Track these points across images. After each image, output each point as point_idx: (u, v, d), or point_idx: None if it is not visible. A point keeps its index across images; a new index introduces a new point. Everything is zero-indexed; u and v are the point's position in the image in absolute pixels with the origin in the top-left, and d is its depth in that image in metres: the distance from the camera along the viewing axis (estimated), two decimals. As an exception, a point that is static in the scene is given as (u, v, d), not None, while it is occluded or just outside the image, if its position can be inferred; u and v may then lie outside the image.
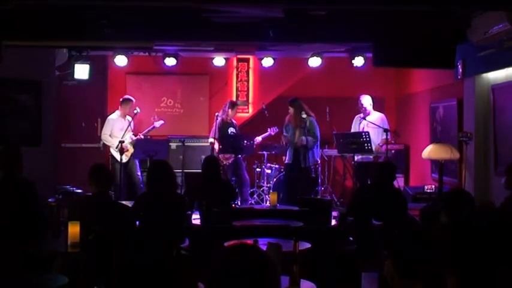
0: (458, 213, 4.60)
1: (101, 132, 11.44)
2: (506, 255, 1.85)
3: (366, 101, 10.80)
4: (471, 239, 1.89)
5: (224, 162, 11.05)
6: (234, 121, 11.53)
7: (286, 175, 10.91)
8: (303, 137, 10.43)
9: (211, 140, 11.21)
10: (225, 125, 11.31)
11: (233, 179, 10.88)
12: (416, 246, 2.44)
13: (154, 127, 11.42)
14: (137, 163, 11.20)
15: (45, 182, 8.53)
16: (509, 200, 6.17)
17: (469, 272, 1.86)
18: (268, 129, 11.45)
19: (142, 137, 11.19)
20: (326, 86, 12.63)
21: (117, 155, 10.83)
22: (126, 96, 11.48)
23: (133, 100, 11.35)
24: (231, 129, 11.32)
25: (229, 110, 11.40)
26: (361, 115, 10.85)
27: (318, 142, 10.81)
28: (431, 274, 2.31)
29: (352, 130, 10.88)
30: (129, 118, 11.23)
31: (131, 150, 10.96)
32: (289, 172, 10.76)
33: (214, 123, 11.37)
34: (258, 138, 11.44)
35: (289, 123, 10.76)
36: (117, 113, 11.27)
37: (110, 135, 11.09)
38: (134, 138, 11.13)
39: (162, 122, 11.56)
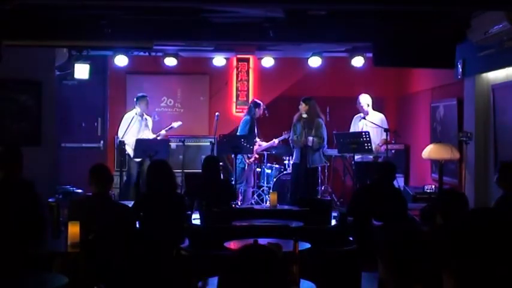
0: (453, 214, 4.62)
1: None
2: (505, 255, 1.85)
3: (364, 99, 10.79)
4: (470, 239, 1.89)
5: (247, 161, 11.17)
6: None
7: (293, 175, 10.89)
8: (310, 138, 10.40)
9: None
10: (253, 124, 11.38)
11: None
12: (415, 246, 2.44)
13: (172, 127, 11.35)
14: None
15: (45, 181, 8.52)
16: (502, 200, 6.16)
17: (468, 272, 1.85)
18: (284, 133, 11.47)
19: (161, 136, 11.16)
20: (326, 86, 12.63)
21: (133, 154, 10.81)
22: (140, 94, 11.35)
23: (147, 97, 11.30)
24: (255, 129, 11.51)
25: (256, 110, 11.48)
26: (361, 115, 10.85)
27: (325, 144, 10.75)
28: (430, 275, 2.31)
29: (351, 130, 10.88)
30: (147, 117, 11.22)
31: None
32: (296, 172, 10.74)
33: (246, 122, 11.45)
34: (275, 141, 11.53)
35: (298, 122, 10.71)
36: (134, 111, 11.16)
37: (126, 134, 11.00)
38: (152, 137, 11.10)
39: (180, 122, 11.46)
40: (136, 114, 11.07)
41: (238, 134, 11.42)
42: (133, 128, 10.95)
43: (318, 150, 10.57)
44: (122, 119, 11.16)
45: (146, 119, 11.20)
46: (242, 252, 2.30)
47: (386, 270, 2.47)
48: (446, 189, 8.80)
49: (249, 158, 11.26)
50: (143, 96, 11.22)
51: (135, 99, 11.21)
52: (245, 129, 11.36)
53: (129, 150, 10.90)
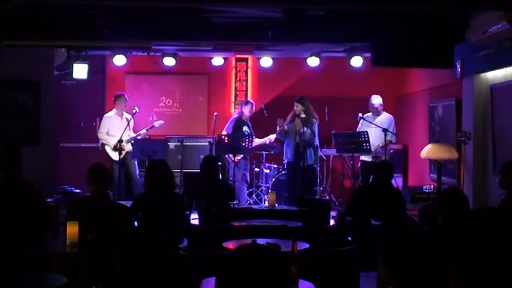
0: (453, 214, 4.61)
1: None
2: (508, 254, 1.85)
3: (375, 100, 10.79)
4: (474, 238, 1.89)
5: (234, 159, 11.02)
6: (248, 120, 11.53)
7: (289, 173, 10.86)
8: (304, 128, 10.38)
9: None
10: (240, 123, 11.34)
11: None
12: (414, 246, 2.44)
13: (153, 127, 11.33)
14: (136, 163, 11.16)
15: (44, 182, 8.51)
16: (505, 201, 6.16)
17: (473, 272, 1.85)
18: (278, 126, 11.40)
19: (141, 135, 11.11)
20: (325, 86, 12.63)
21: (112, 154, 10.84)
22: (118, 93, 11.45)
23: (125, 95, 11.32)
24: (245, 128, 11.37)
25: (243, 108, 11.45)
26: (361, 115, 10.85)
27: (317, 142, 10.73)
28: (429, 275, 2.31)
29: (358, 130, 10.87)
30: (127, 116, 11.18)
31: (127, 148, 10.88)
32: (292, 170, 10.72)
33: (232, 121, 11.43)
34: (266, 141, 11.42)
35: (291, 123, 10.69)
36: (113, 111, 11.23)
37: (107, 134, 11.05)
38: (133, 136, 11.05)
39: (162, 122, 11.48)
40: (114, 114, 11.12)
41: (224, 132, 11.24)
42: (113, 129, 10.96)
43: (310, 147, 10.52)
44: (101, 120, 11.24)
45: (127, 119, 11.16)
46: (240, 252, 2.29)
47: (385, 271, 2.47)
48: (447, 188, 8.80)
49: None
50: (119, 95, 11.24)
51: (113, 98, 11.26)
52: (229, 127, 11.28)
53: (109, 150, 10.93)
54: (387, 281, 2.42)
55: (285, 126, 10.66)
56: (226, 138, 10.67)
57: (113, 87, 12.71)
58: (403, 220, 7.16)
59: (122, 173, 10.87)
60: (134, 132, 11.20)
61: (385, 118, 10.79)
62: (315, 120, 10.65)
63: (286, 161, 11.03)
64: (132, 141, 10.93)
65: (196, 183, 8.46)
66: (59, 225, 7.18)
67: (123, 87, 12.68)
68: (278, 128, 10.73)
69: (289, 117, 10.75)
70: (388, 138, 10.45)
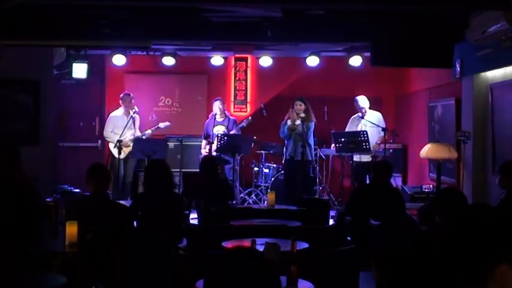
0: (451, 213, 4.61)
1: (99, 131, 11.45)
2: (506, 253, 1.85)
3: (363, 101, 10.81)
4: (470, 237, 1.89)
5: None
6: (229, 119, 11.45)
7: (287, 171, 10.83)
8: (303, 124, 10.36)
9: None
10: (209, 126, 11.29)
11: None
12: (414, 247, 2.43)
13: (158, 127, 11.35)
14: (133, 165, 11.21)
15: (43, 181, 8.51)
16: (504, 201, 6.15)
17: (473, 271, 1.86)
18: (243, 121, 11.38)
19: (146, 136, 11.15)
20: (324, 86, 12.63)
21: (116, 152, 10.86)
22: (125, 92, 11.51)
23: (131, 94, 11.36)
24: (217, 128, 11.25)
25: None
26: (359, 114, 10.86)
27: (312, 140, 10.66)
28: (429, 276, 2.30)
29: (347, 129, 10.89)
30: (133, 115, 11.21)
31: (129, 147, 10.91)
32: (289, 167, 10.69)
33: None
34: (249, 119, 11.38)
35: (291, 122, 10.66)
36: (121, 110, 11.28)
37: (112, 132, 11.10)
38: (138, 135, 11.09)
39: (168, 123, 11.48)
40: (122, 113, 11.22)
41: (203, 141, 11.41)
42: (118, 128, 10.99)
43: (310, 146, 10.50)
44: (102, 119, 11.30)
45: (133, 118, 11.18)
46: (229, 255, 2.23)
47: (382, 273, 2.46)
48: (445, 188, 8.81)
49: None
50: (126, 95, 11.32)
51: (120, 97, 11.38)
52: (203, 134, 11.39)
53: (113, 149, 10.97)
54: (383, 281, 2.42)
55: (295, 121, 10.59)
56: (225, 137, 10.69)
57: (113, 87, 12.71)
58: (402, 220, 7.16)
59: (123, 171, 10.95)
60: (140, 131, 11.24)
61: (375, 117, 10.79)
62: (313, 120, 10.63)
63: (284, 158, 10.98)
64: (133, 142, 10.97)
65: (195, 182, 8.45)
66: (58, 225, 7.18)
67: (122, 87, 12.68)
68: (290, 121, 10.61)
69: (291, 117, 10.62)
70: (381, 135, 10.47)
